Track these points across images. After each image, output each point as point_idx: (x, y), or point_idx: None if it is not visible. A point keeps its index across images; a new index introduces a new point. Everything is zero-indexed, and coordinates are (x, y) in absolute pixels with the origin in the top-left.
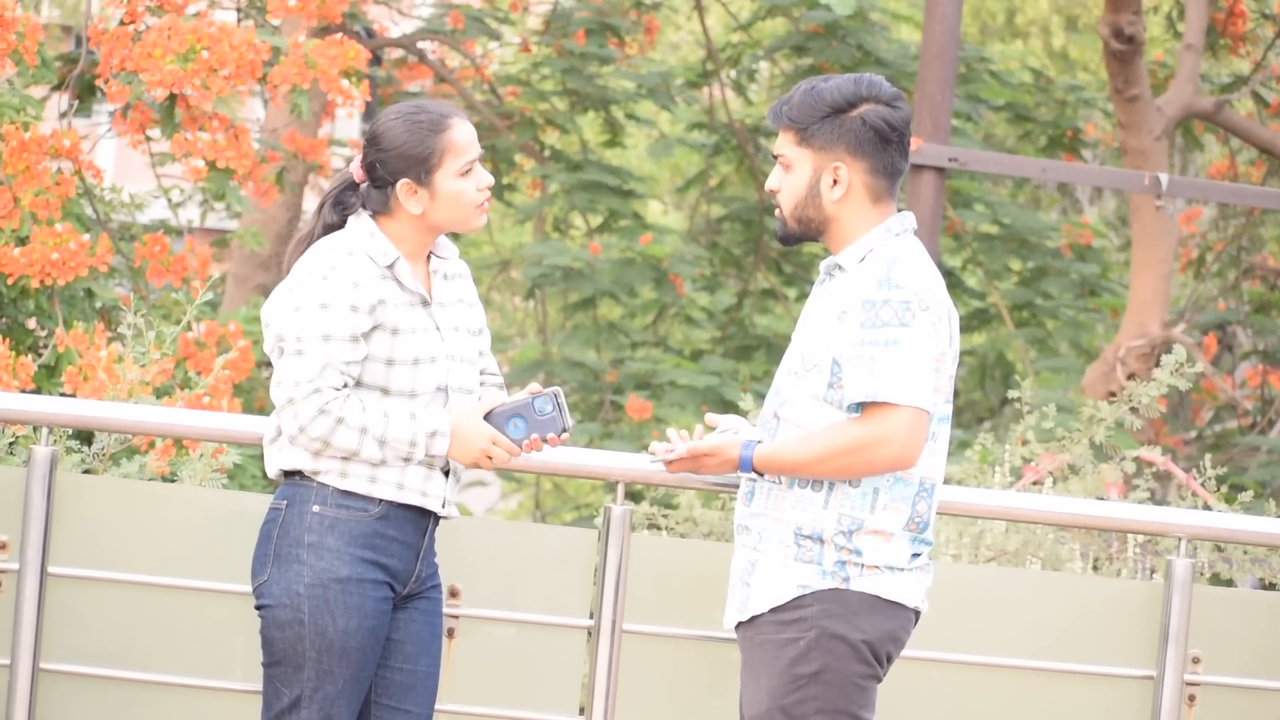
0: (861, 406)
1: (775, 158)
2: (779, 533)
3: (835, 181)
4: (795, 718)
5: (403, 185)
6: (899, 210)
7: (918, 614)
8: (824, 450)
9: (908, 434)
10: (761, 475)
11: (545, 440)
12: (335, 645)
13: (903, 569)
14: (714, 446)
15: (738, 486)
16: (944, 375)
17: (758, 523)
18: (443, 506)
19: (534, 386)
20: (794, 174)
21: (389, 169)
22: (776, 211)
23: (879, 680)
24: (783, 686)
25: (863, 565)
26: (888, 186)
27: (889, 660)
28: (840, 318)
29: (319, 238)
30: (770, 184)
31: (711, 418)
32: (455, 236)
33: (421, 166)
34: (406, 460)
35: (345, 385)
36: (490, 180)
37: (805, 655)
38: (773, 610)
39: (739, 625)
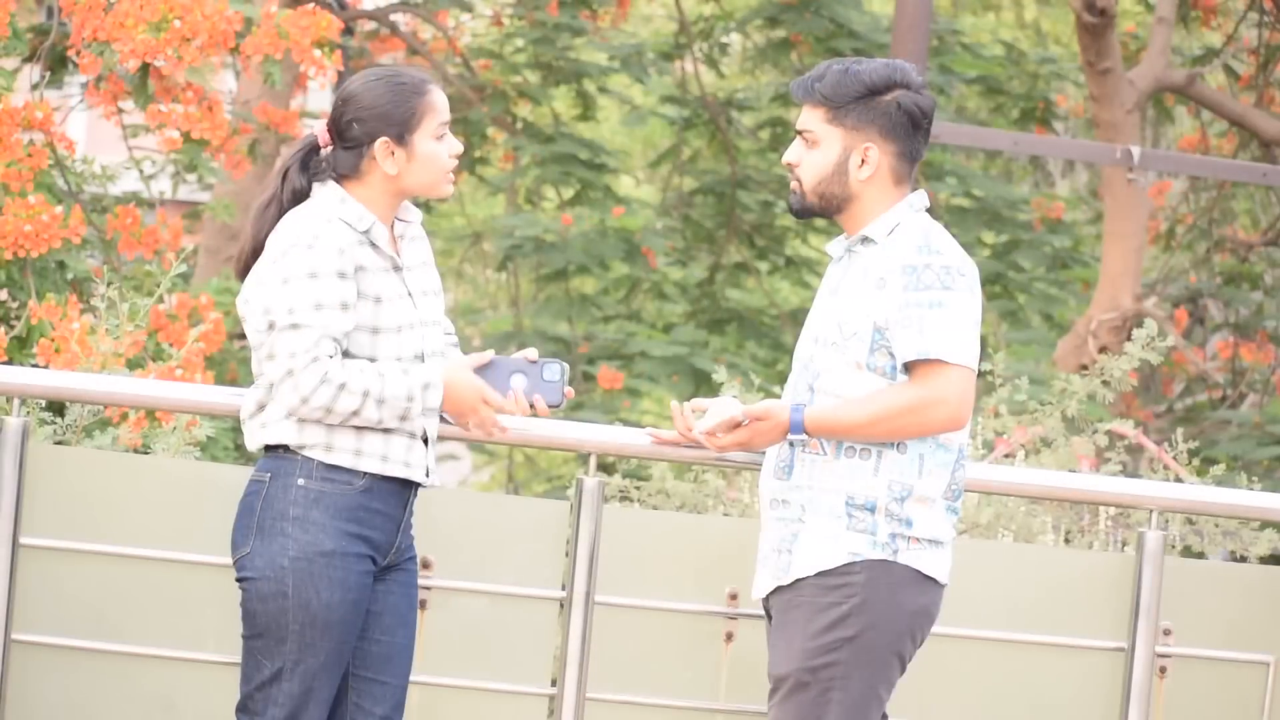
0: (910, 369)
1: (798, 132)
2: (829, 504)
3: (863, 162)
4: (820, 680)
5: (381, 144)
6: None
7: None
8: (879, 411)
9: (961, 394)
10: (804, 443)
11: (531, 404)
12: (318, 618)
13: (943, 543)
14: (765, 410)
15: (715, 461)
16: (978, 341)
17: (800, 495)
18: (426, 476)
19: (530, 351)
20: (820, 150)
21: (366, 128)
22: (793, 184)
23: (905, 662)
24: (817, 648)
25: (909, 538)
26: (909, 170)
27: (921, 639)
28: (879, 285)
29: (288, 204)
30: (789, 157)
31: (699, 402)
32: (425, 206)
33: (402, 126)
34: (403, 418)
35: (337, 353)
36: (460, 148)
37: (844, 620)
38: (819, 574)
39: (775, 591)
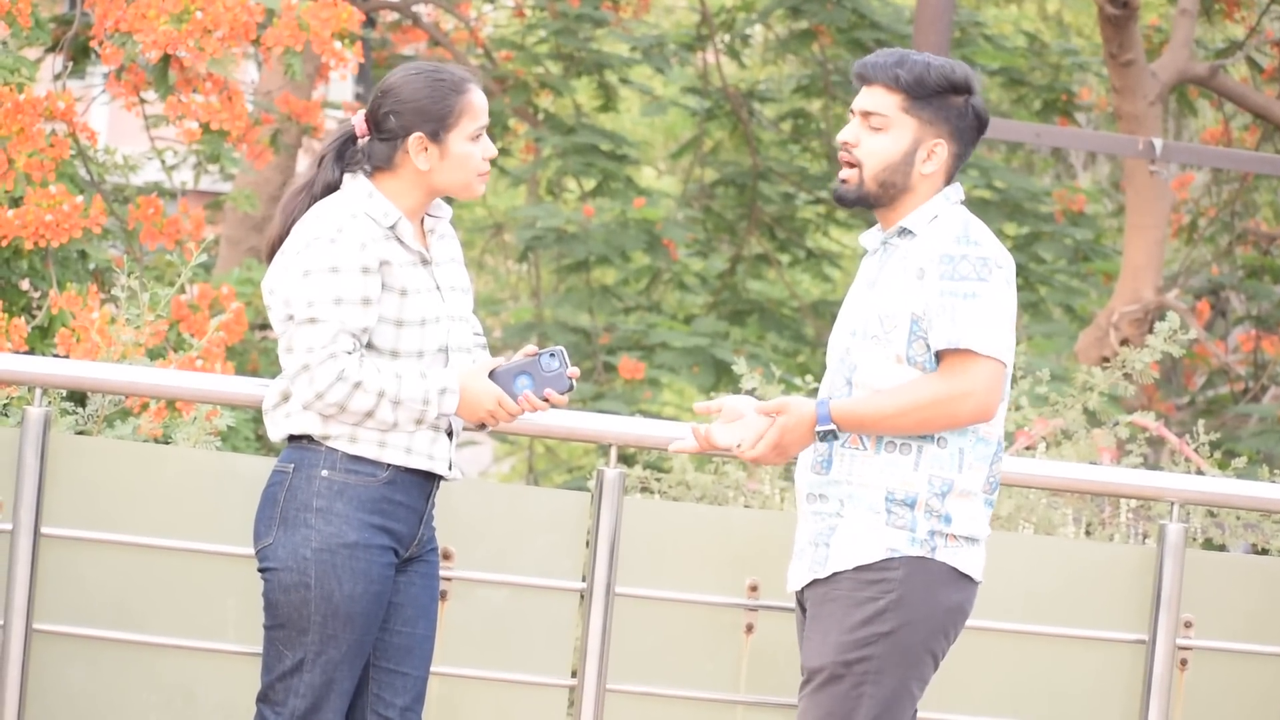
0: (940, 359)
1: (862, 113)
2: (869, 498)
3: (929, 156)
4: (854, 674)
5: (415, 139)
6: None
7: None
8: (906, 404)
9: (988, 386)
10: (835, 435)
11: (545, 399)
12: (340, 610)
13: (978, 540)
14: (781, 403)
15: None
16: (1013, 335)
17: (838, 490)
18: (449, 469)
19: (530, 348)
20: (889, 136)
21: (403, 122)
22: (848, 170)
23: (939, 659)
24: (852, 641)
25: (947, 535)
26: (955, 172)
27: (955, 636)
28: (919, 275)
29: (319, 194)
30: (847, 136)
31: (704, 405)
32: (447, 198)
33: (439, 124)
34: (419, 421)
35: (356, 349)
36: (494, 151)
37: (881, 615)
38: (857, 569)
39: (811, 584)
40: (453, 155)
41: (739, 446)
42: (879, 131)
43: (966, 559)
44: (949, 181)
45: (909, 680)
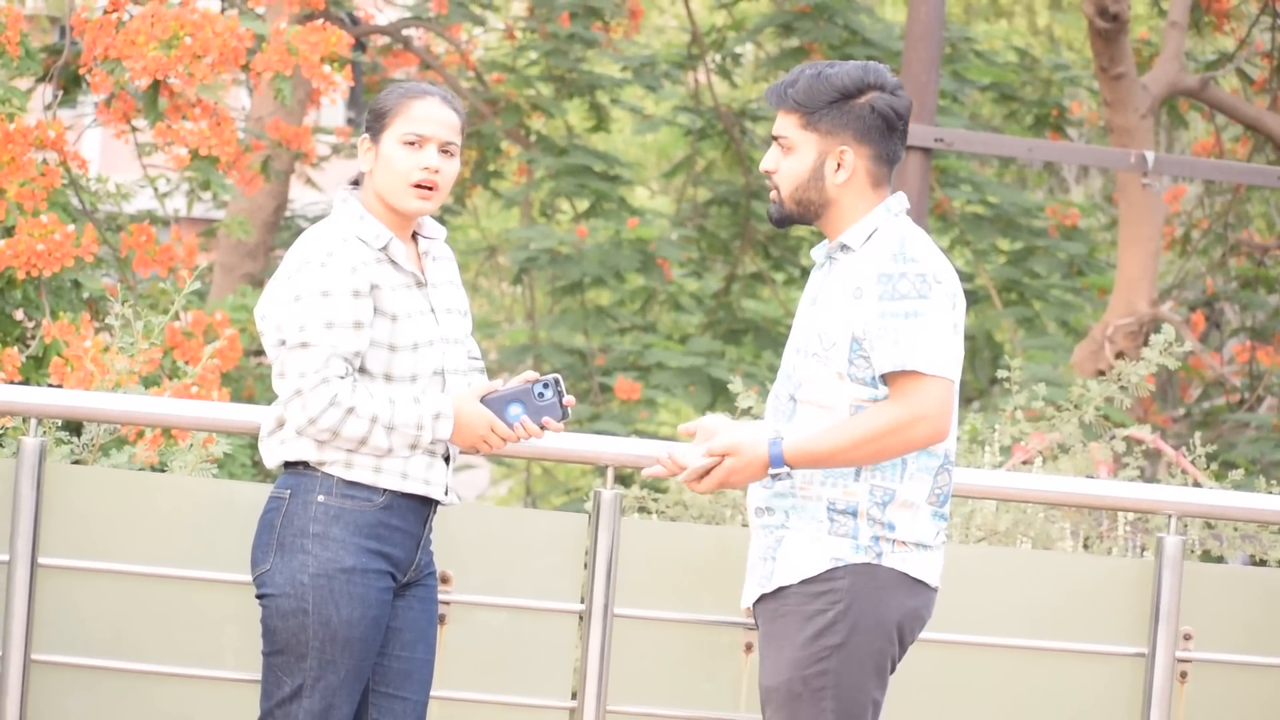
0: (888, 381)
1: (774, 139)
2: (812, 510)
3: (839, 166)
4: (813, 689)
5: (363, 139)
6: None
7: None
8: (860, 435)
9: (940, 406)
10: (789, 475)
11: (542, 425)
12: (339, 635)
13: (930, 546)
14: (730, 444)
15: None
16: (959, 349)
17: (783, 502)
18: (445, 494)
19: (529, 374)
20: (796, 156)
21: (365, 126)
22: (772, 193)
23: (896, 662)
24: (806, 657)
25: (894, 541)
26: (887, 173)
27: (910, 641)
28: (856, 294)
29: None
30: (766, 164)
31: (685, 426)
32: (439, 219)
33: (378, 123)
34: (413, 446)
35: (348, 373)
36: (435, 164)
37: (832, 626)
38: (803, 582)
39: (760, 600)
40: (383, 156)
41: (684, 477)
42: (789, 153)
43: (917, 564)
44: (878, 185)
45: (868, 687)
